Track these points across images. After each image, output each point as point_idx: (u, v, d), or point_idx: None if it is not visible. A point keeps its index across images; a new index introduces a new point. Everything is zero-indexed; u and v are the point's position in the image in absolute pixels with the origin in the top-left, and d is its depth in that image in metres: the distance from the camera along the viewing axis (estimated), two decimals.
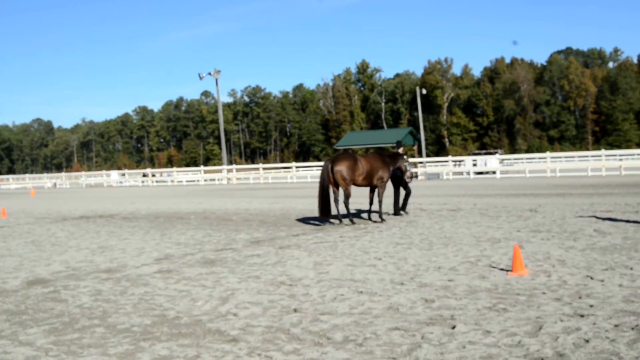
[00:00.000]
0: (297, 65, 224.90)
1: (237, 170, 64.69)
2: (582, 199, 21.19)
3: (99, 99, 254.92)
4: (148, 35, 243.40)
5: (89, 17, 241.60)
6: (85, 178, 77.13)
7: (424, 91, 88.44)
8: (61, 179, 79.52)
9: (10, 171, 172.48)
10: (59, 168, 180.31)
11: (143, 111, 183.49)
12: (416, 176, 17.09)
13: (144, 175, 75.03)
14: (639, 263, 9.17)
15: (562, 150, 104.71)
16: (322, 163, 59.71)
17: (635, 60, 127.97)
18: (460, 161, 57.00)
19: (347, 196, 16.11)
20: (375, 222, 16.38)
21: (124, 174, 76.26)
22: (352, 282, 8.73)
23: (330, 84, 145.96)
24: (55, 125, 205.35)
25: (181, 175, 69.60)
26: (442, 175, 49.94)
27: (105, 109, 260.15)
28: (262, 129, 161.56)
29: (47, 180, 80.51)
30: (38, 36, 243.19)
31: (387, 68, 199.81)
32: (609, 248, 10.67)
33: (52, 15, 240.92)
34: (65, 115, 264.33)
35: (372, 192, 16.97)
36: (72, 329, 6.87)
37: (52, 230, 18.08)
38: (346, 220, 16.40)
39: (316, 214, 18.66)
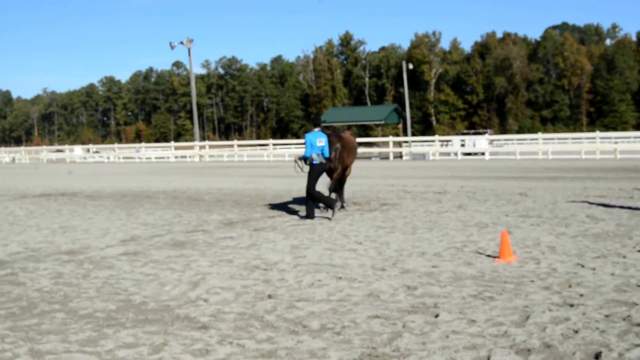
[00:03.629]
0: (276, 36, 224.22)
1: (210, 147, 64.41)
2: (575, 183, 21.37)
3: (61, 68, 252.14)
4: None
5: None
6: (47, 153, 76.43)
7: (411, 66, 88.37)
8: (20, 154, 78.72)
9: None
10: (18, 142, 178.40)
11: (109, 82, 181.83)
12: (300, 167, 14.86)
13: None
14: (632, 251, 9.29)
15: (555, 131, 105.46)
16: (301, 140, 59.72)
17: (634, 38, 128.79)
18: (447, 141, 57.15)
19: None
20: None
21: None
22: (330, 267, 8.76)
23: (311, 56, 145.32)
24: (14, 95, 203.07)
25: (150, 152, 69.20)
26: (428, 156, 50.09)
27: (68, 78, 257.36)
28: (237, 104, 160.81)
29: (5, 154, 79.61)
30: None
31: (372, 41, 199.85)
32: (602, 235, 10.79)
33: None
34: (25, 85, 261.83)
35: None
36: (30, 314, 6.83)
37: (10, 208, 17.93)
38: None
39: (294, 194, 18.71)
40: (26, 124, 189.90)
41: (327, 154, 14.14)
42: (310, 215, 13.99)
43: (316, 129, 14.38)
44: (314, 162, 13.97)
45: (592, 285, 7.36)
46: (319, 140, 14.06)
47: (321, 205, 15.23)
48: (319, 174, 14.07)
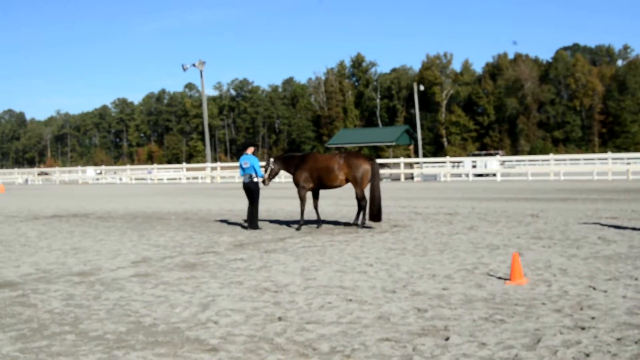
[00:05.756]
0: (288, 58, 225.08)
1: (222, 168, 64.53)
2: (587, 204, 21.29)
3: (75, 90, 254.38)
4: (129, 22, 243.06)
5: (65, 1, 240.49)
6: (59, 174, 76.84)
7: (422, 87, 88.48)
8: (33, 175, 79.22)
9: None
10: (31, 163, 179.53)
11: (122, 104, 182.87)
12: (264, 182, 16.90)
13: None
14: None
15: (566, 152, 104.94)
16: None
17: None
18: (459, 162, 57.13)
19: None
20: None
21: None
22: (340, 289, 8.74)
23: (323, 78, 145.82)
24: (28, 117, 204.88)
25: (162, 173, 69.43)
26: (439, 177, 50.06)
27: (81, 100, 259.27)
28: (249, 125, 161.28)
29: (18, 175, 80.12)
30: (9, 22, 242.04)
31: (383, 62, 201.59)
32: (614, 257, 10.73)
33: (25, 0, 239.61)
34: (39, 106, 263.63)
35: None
36: (41, 336, 6.85)
37: (22, 229, 18.01)
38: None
39: (305, 217, 18.61)
40: (39, 145, 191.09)
41: (260, 174, 16.55)
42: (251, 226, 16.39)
43: (248, 152, 16.72)
44: (245, 181, 16.46)
45: (604, 308, 7.31)
46: (244, 162, 16.50)
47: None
48: (246, 190, 16.52)
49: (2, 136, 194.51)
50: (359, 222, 16.16)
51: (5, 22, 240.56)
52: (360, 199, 16.02)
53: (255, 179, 16.45)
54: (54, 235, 16.28)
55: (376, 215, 15.83)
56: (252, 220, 16.36)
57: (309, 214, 18.45)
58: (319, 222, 16.60)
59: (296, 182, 16.68)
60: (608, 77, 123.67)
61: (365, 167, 15.96)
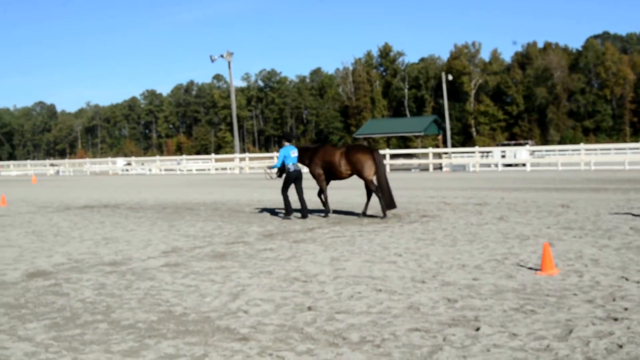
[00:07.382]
0: (315, 48, 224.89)
1: (250, 158, 64.71)
2: (618, 194, 21.03)
3: (104, 82, 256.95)
4: (157, 14, 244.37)
5: None
6: (90, 165, 77.61)
7: (450, 77, 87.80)
8: (64, 166, 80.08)
9: (11, 157, 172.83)
10: (62, 154, 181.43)
11: (151, 95, 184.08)
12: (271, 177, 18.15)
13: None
14: None
15: (597, 141, 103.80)
16: None
17: None
18: (488, 152, 56.72)
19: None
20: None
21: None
22: (370, 279, 8.73)
23: (350, 68, 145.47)
24: (59, 109, 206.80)
25: (191, 164, 69.79)
26: (468, 167, 49.76)
27: (111, 92, 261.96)
28: (277, 116, 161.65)
29: (49, 166, 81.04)
30: (41, 15, 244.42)
31: (411, 52, 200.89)
32: None
33: None
34: (69, 98, 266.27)
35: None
36: (73, 325, 6.92)
37: (54, 220, 18.20)
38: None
39: (333, 206, 18.60)
40: (70, 137, 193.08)
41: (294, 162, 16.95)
42: (289, 213, 16.87)
43: (288, 144, 17.02)
44: (290, 169, 16.76)
45: (637, 298, 7.22)
46: (292, 152, 16.85)
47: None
48: (295, 179, 16.86)
49: (33, 128, 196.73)
50: (381, 213, 16.21)
51: (35, 15, 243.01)
52: (374, 190, 16.28)
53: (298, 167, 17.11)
54: (85, 226, 16.44)
55: (389, 204, 16.11)
56: (304, 206, 16.93)
57: (314, 203, 18.46)
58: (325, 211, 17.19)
59: (312, 174, 17.36)
60: (639, 66, 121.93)
61: (365, 159, 16.19)
